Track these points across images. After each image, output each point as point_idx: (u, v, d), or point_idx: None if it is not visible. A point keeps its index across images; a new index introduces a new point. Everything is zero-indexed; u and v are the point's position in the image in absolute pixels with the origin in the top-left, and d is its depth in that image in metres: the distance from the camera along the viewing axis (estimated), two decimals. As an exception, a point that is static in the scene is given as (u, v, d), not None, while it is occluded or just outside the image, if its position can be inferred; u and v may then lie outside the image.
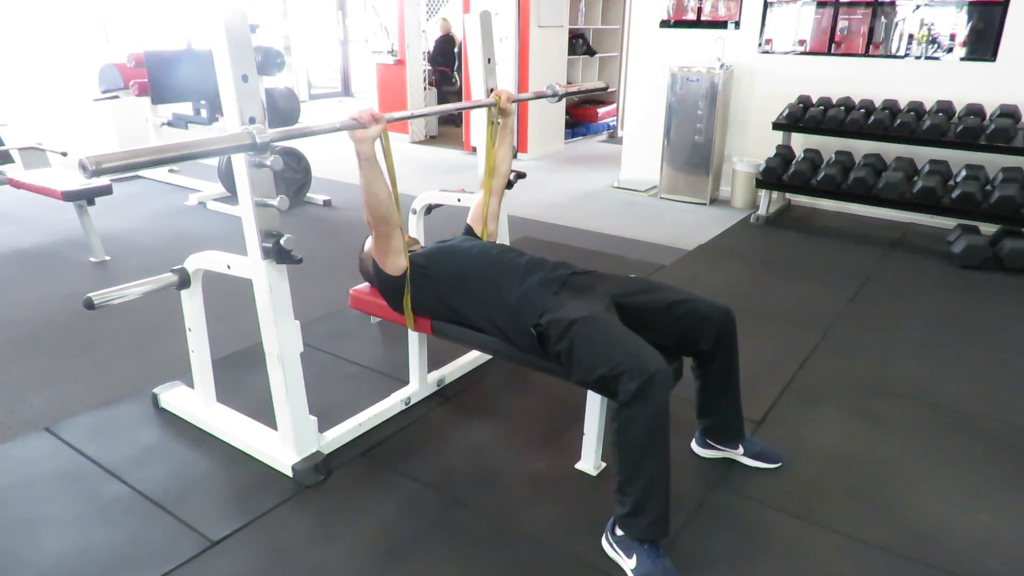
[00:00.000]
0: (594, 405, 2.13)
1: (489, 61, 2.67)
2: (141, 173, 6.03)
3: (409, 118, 2.24)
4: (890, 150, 4.74)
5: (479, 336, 2.17)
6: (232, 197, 5.05)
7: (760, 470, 2.22)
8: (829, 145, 4.91)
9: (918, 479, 2.21)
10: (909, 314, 3.45)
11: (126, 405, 2.59)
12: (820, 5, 4.96)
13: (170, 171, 6.04)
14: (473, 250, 2.24)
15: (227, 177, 5.17)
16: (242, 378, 2.71)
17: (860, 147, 4.80)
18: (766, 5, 5.15)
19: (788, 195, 5.30)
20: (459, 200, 2.95)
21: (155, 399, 2.56)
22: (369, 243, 2.38)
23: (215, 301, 2.39)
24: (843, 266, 4.13)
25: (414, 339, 2.52)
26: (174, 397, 2.54)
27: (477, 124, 2.83)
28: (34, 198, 4.52)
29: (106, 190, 4.03)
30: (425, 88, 8.09)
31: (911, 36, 4.72)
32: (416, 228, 3.16)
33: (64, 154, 5.18)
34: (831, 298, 3.62)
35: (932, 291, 3.77)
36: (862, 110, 4.71)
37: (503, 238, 2.90)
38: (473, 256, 2.21)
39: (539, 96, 2.81)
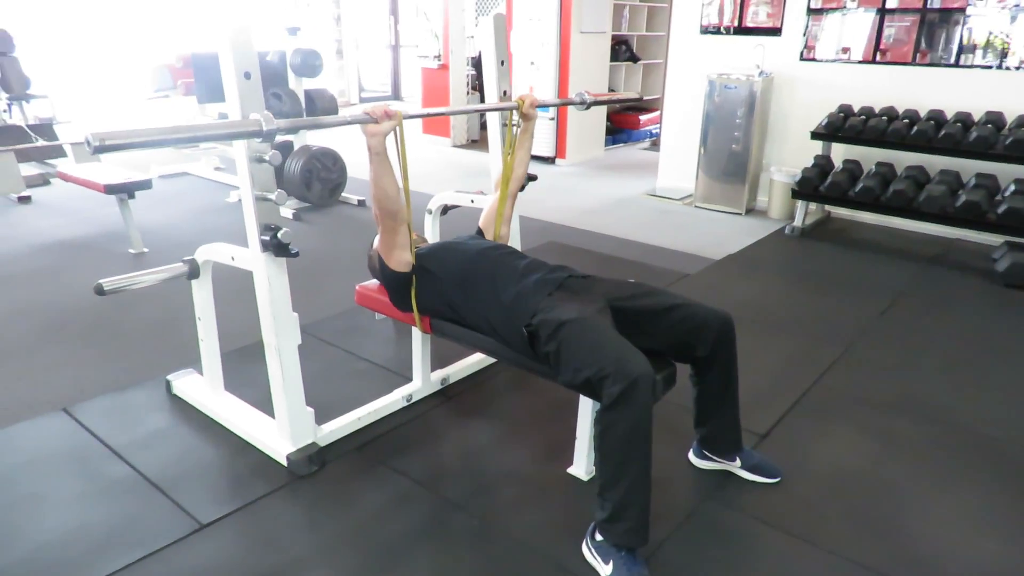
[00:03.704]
0: (586, 410, 2.11)
1: (503, 64, 2.68)
2: (188, 170, 6.24)
3: (424, 116, 2.26)
4: (934, 162, 4.57)
5: (475, 335, 2.17)
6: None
7: (757, 484, 2.16)
8: (870, 156, 4.76)
9: (925, 502, 2.12)
10: (940, 332, 3.32)
11: (141, 390, 2.68)
12: (870, 12, 4.82)
13: (216, 168, 6.23)
14: (474, 249, 2.25)
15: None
16: (254, 369, 2.77)
17: (903, 159, 4.64)
18: (809, 12, 5.04)
19: (827, 207, 5.17)
20: (472, 201, 2.96)
21: (168, 385, 2.65)
22: (378, 239, 2.41)
23: (239, 294, 2.45)
24: (876, 280, 4.00)
25: (417, 337, 2.54)
26: (186, 384, 2.62)
27: (492, 127, 2.84)
28: (81, 191, 4.73)
29: (145, 184, 4.19)
30: (468, 92, 8.16)
31: (962, 44, 4.55)
32: (431, 228, 3.19)
33: (113, 150, 5.42)
34: (858, 313, 3.51)
35: (968, 309, 3.62)
36: (905, 120, 4.55)
37: (515, 242, 2.89)
38: (473, 255, 2.22)
39: (566, 103, 2.79)
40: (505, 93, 2.71)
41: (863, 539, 1.95)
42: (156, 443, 2.35)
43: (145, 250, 4.23)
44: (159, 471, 2.19)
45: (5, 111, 5.55)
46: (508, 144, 2.53)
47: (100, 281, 2.17)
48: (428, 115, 2.46)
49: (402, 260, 2.23)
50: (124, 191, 4.10)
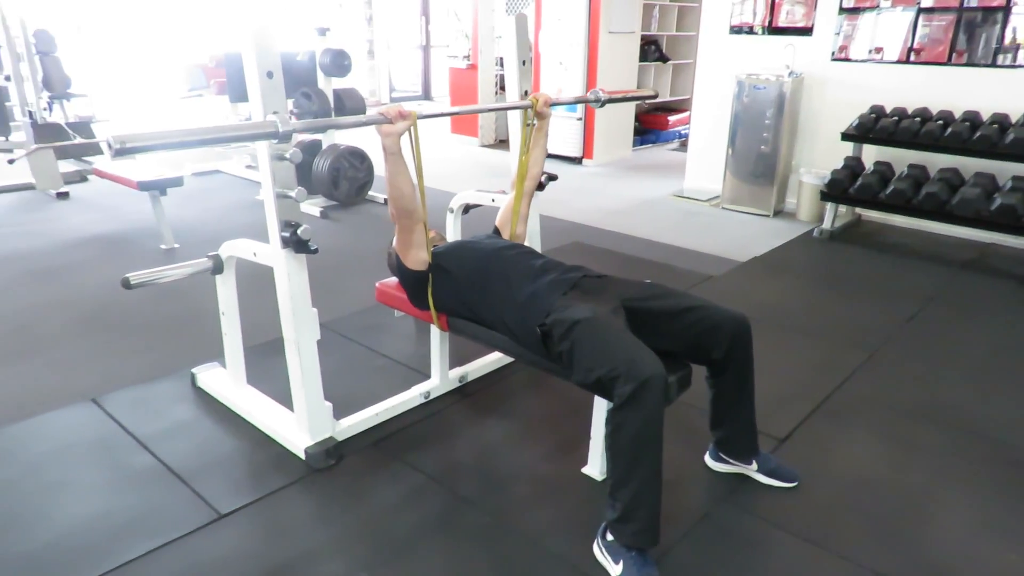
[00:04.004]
0: (601, 410, 2.11)
1: (524, 63, 2.69)
2: (220, 168, 6.36)
3: (440, 116, 2.28)
4: (969, 165, 4.46)
5: (490, 333, 2.18)
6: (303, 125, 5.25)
7: (773, 488, 2.14)
8: (903, 158, 4.67)
9: (946, 511, 2.08)
10: (970, 339, 3.24)
11: (168, 382, 2.74)
12: (907, 11, 4.73)
13: (247, 167, 6.33)
14: (489, 248, 2.26)
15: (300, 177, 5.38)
16: (276, 363, 2.81)
17: (936, 161, 4.54)
18: (842, 11, 4.96)
19: (858, 210, 5.08)
20: (493, 200, 2.97)
21: (193, 378, 2.71)
22: (395, 238, 2.44)
23: (263, 290, 2.47)
24: (906, 285, 3.92)
25: (436, 335, 2.56)
26: (210, 377, 2.67)
27: (512, 127, 2.85)
28: (116, 187, 4.84)
29: (177, 181, 4.28)
30: (496, 92, 8.18)
31: (1001, 44, 4.43)
32: (452, 227, 3.21)
33: (148, 148, 5.54)
34: (886, 317, 3.44)
35: (1002, 316, 3.53)
36: (939, 121, 4.45)
37: (533, 241, 2.90)
38: (488, 253, 2.23)
39: (580, 101, 2.78)
40: (527, 92, 2.72)
41: (880, 546, 1.92)
42: (180, 434, 2.40)
43: (176, 246, 4.32)
44: (181, 461, 2.24)
45: (46, 109, 5.71)
46: (524, 143, 2.54)
47: (127, 275, 2.23)
48: (441, 115, 2.44)
49: (419, 259, 2.25)
50: (156, 188, 4.20)
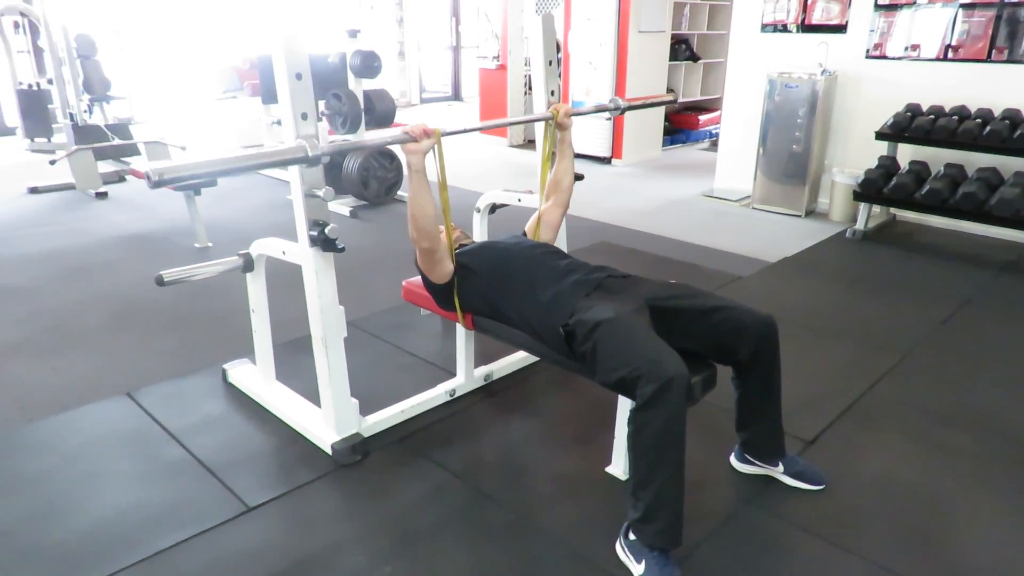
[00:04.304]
0: (625, 409, 2.10)
1: (551, 63, 2.69)
2: (253, 168, 6.46)
3: (462, 133, 2.30)
4: (1009, 164, 4.35)
5: (515, 333, 2.19)
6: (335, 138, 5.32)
7: (799, 491, 2.11)
8: (939, 157, 4.57)
9: (977, 516, 2.04)
10: (1008, 342, 3.16)
11: (200, 377, 2.80)
12: (947, 7, 4.63)
13: (279, 167, 6.43)
14: (515, 248, 2.27)
15: (331, 177, 5.45)
16: (304, 360, 2.85)
17: (974, 160, 4.44)
18: (877, 8, 4.87)
19: (893, 210, 4.98)
20: (520, 200, 2.98)
21: (224, 374, 2.76)
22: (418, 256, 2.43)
23: (293, 288, 2.51)
24: (941, 287, 3.84)
25: (461, 333, 2.57)
26: (240, 373, 2.72)
27: (538, 133, 2.85)
28: (153, 187, 4.96)
29: (211, 182, 4.36)
30: (525, 92, 8.19)
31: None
32: (480, 227, 3.22)
33: (183, 148, 5.67)
34: (920, 320, 3.38)
35: (1041, 319, 3.44)
36: (978, 120, 4.35)
37: (559, 241, 2.89)
38: (514, 254, 2.24)
39: (600, 110, 2.78)
40: (553, 93, 2.72)
41: (908, 551, 1.89)
42: (210, 428, 2.45)
43: (209, 244, 4.41)
44: (212, 455, 2.29)
45: (86, 111, 5.87)
46: (546, 152, 2.55)
47: (160, 272, 2.28)
48: (465, 131, 2.42)
49: (443, 272, 2.26)
50: (191, 187, 4.28)
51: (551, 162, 2.57)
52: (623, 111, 2.69)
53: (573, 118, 2.52)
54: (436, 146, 2.11)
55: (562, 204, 2.59)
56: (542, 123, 2.60)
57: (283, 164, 1.97)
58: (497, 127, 2.40)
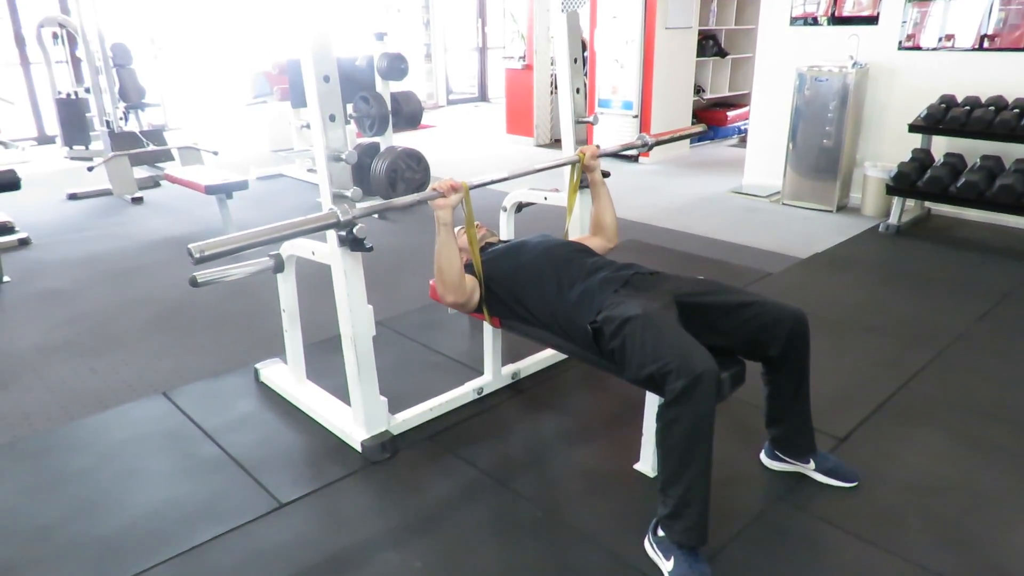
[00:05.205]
0: (653, 406, 2.10)
1: (576, 61, 2.69)
2: (283, 171, 6.57)
3: (488, 184, 2.33)
4: (1049, 155, 4.24)
5: (542, 332, 2.20)
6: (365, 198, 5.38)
7: (832, 488, 2.09)
8: (975, 149, 4.47)
9: (1016, 514, 1.99)
10: (1049, 337, 3.09)
11: (233, 377, 2.85)
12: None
13: (309, 170, 6.52)
14: (541, 247, 2.28)
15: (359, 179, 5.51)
16: (335, 359, 2.89)
17: (1012, 151, 4.33)
18: (909, -2, 4.78)
19: (927, 204, 4.89)
20: (546, 199, 2.99)
21: (256, 373, 2.81)
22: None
23: (323, 288, 2.56)
24: (979, 281, 3.75)
25: (489, 332, 2.59)
26: (272, 373, 2.77)
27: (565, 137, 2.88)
28: (186, 192, 5.07)
29: (243, 185, 4.45)
30: (551, 92, 8.18)
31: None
32: (506, 226, 3.23)
33: (215, 153, 5.77)
34: (956, 315, 3.30)
35: (1084, 313, 3.34)
36: (1016, 110, 4.25)
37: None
38: (540, 252, 2.25)
39: (627, 148, 2.81)
40: (578, 90, 2.72)
41: (944, 549, 1.85)
42: (243, 426, 2.50)
43: (242, 247, 4.48)
44: (245, 452, 2.34)
45: (122, 119, 6.01)
46: (572, 191, 2.62)
47: (194, 273, 2.33)
48: (491, 183, 2.41)
49: (474, 301, 2.28)
50: (223, 191, 4.37)
51: (577, 201, 2.65)
52: (650, 147, 2.74)
53: (598, 141, 2.56)
54: (464, 199, 2.17)
55: (610, 239, 2.65)
56: (569, 127, 2.62)
57: (316, 230, 2.00)
58: (525, 175, 2.42)
